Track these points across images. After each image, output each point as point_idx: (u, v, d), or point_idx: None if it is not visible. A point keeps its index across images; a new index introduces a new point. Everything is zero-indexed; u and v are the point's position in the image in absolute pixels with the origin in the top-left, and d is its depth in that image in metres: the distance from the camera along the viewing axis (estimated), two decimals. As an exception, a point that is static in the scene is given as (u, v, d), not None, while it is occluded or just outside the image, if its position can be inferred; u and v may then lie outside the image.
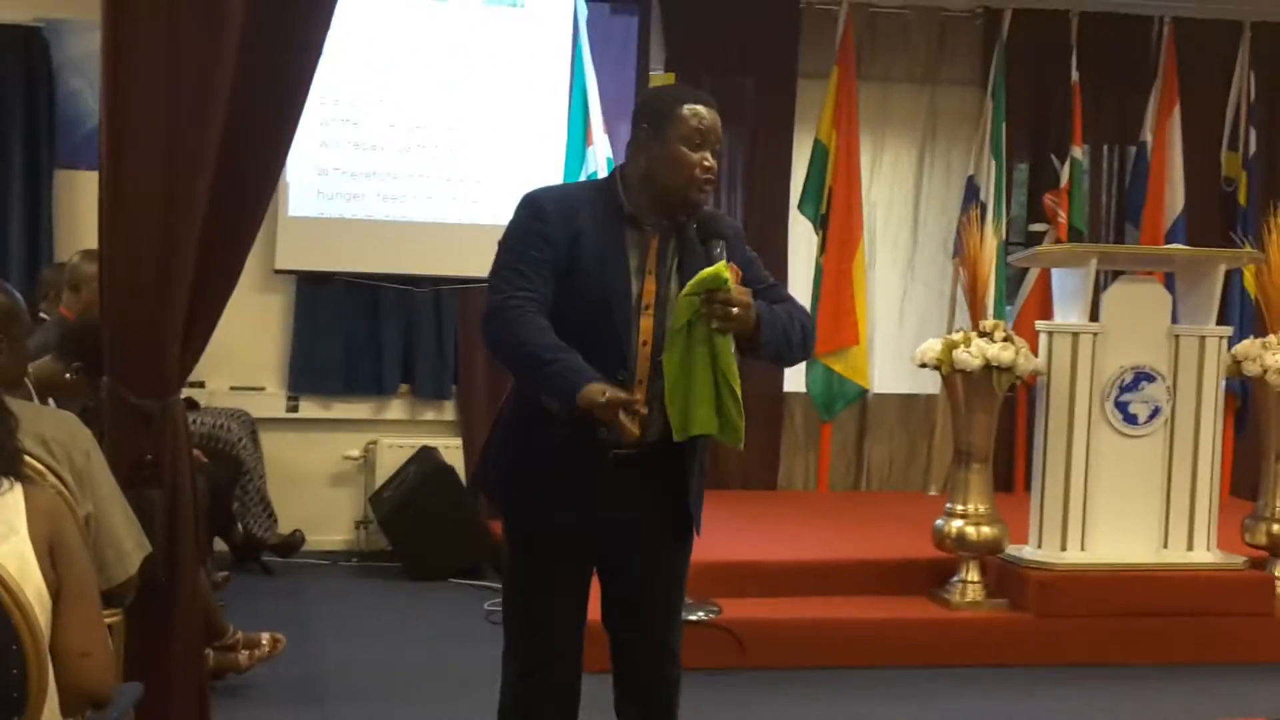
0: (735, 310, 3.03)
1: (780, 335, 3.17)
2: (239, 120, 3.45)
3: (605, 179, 3.40)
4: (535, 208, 3.22)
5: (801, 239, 7.94)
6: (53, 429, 3.03)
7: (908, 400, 8.22)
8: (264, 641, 4.90)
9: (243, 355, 7.27)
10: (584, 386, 2.97)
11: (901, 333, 8.15)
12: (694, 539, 3.41)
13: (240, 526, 6.79)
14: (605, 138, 6.91)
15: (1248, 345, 6.09)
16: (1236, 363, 6.05)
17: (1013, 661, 5.56)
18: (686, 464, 3.28)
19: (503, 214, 7.80)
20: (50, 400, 3.92)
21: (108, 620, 2.82)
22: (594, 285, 3.15)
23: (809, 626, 5.56)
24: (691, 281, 3.06)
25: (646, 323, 3.19)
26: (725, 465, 7.76)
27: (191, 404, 6.57)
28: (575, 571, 3.34)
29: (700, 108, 3.20)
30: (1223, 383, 5.96)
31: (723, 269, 3.03)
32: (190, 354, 3.52)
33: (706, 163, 3.17)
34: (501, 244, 3.24)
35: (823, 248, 7.77)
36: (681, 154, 3.17)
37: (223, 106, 3.39)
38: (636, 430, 2.99)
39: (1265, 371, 5.93)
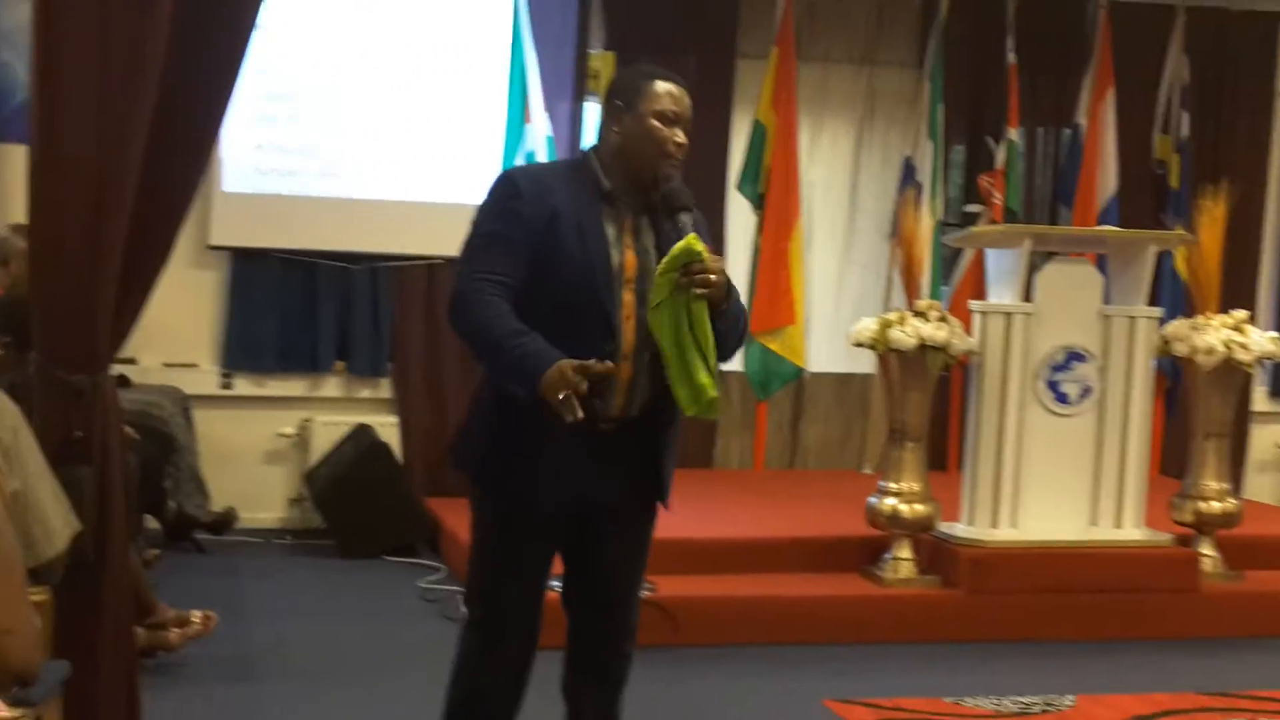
0: (714, 278, 3.10)
1: (736, 307, 3.26)
2: (172, 93, 3.41)
3: (579, 158, 3.46)
4: (510, 186, 3.27)
5: (739, 218, 7.96)
6: (-23, 406, 3.00)
7: (843, 379, 8.26)
8: (195, 619, 4.87)
9: (176, 332, 7.22)
10: (544, 374, 3.01)
11: (838, 312, 8.18)
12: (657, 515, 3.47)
13: (172, 504, 6.73)
14: (545, 115, 6.90)
15: (1177, 326, 6.17)
16: (1166, 343, 6.13)
17: (944, 637, 5.62)
18: (663, 438, 3.33)
19: (441, 192, 7.82)
20: (-23, 376, 3.87)
21: (35, 598, 2.80)
22: (576, 261, 3.19)
23: (743, 603, 5.60)
24: (666, 259, 3.12)
25: (629, 296, 3.23)
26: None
27: (123, 381, 6.50)
28: (545, 550, 3.38)
29: (673, 87, 3.30)
30: (1153, 363, 6.04)
31: (694, 241, 3.10)
32: (121, 330, 3.48)
33: (678, 139, 3.26)
34: (474, 222, 3.27)
35: (760, 227, 7.79)
36: (654, 128, 3.25)
37: (155, 79, 3.35)
38: (579, 413, 2.99)
39: (1194, 352, 6.00)
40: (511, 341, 3.09)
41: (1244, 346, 5.95)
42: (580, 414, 3.00)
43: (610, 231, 3.25)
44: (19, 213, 3.86)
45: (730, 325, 3.26)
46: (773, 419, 8.13)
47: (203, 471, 6.92)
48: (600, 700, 3.51)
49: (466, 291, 3.17)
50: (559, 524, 3.33)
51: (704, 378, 3.13)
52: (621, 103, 3.29)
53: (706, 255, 3.11)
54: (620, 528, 3.39)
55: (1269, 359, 6.12)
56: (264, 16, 3.60)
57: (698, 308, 3.12)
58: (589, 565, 3.41)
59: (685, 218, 3.21)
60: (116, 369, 3.61)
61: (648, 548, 3.49)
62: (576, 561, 3.43)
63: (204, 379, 7.35)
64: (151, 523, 6.66)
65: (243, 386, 7.44)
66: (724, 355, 3.28)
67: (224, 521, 6.96)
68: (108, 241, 3.34)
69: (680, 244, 3.11)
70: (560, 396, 2.99)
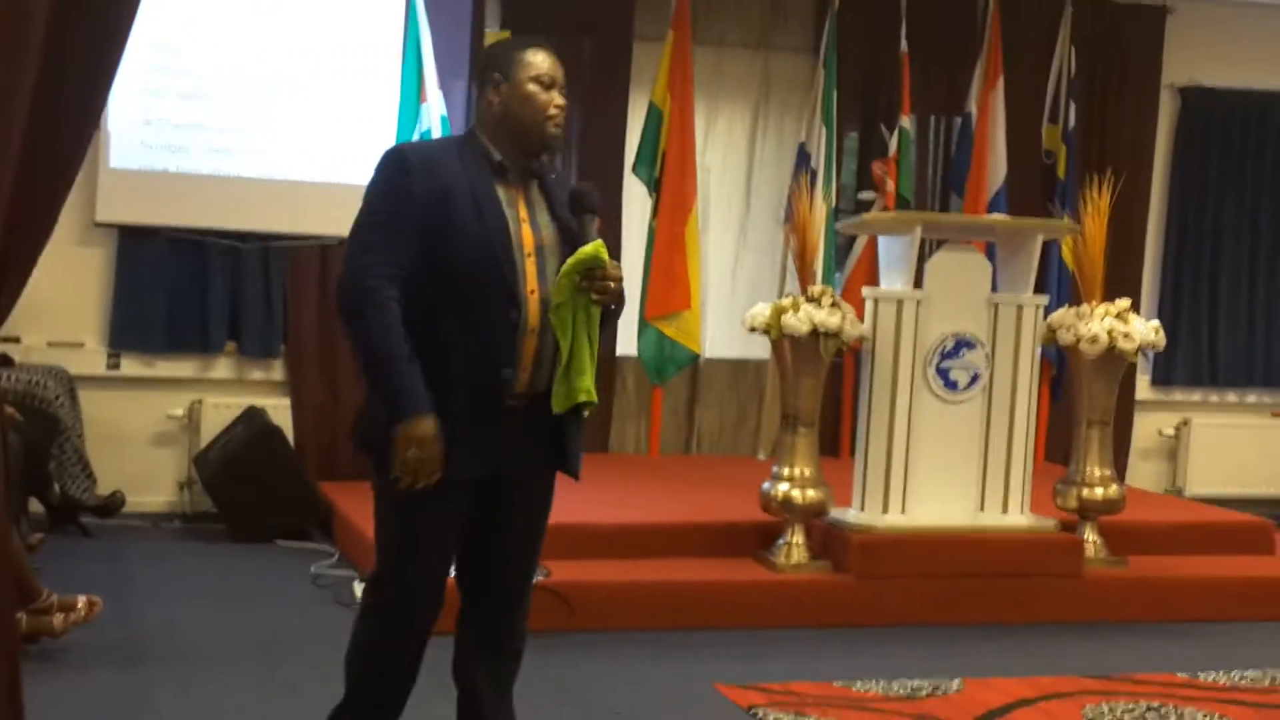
0: (612, 285, 3.21)
1: (623, 304, 3.36)
2: (54, 61, 3.32)
3: (464, 134, 3.51)
4: (400, 161, 3.29)
5: (635, 201, 7.96)
6: None
7: (738, 365, 8.31)
8: (80, 605, 4.77)
9: (61, 310, 7.07)
10: (410, 418, 3.14)
11: (733, 298, 8.22)
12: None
13: (57, 487, 6.60)
14: (439, 94, 6.82)
15: (1062, 314, 6.28)
16: (1052, 331, 6.23)
17: (836, 622, 5.68)
18: (570, 415, 3.35)
19: (334, 171, 7.71)
20: None
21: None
22: (474, 236, 3.23)
23: (638, 588, 5.61)
24: (570, 260, 3.20)
25: (530, 268, 3.28)
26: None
27: (5, 360, 6.35)
28: (452, 525, 3.37)
29: (543, 52, 3.41)
30: (1038, 350, 6.13)
31: (600, 248, 3.19)
32: (1, 309, 3.39)
33: (557, 101, 3.35)
34: (364, 201, 3.30)
35: (656, 211, 7.79)
36: (534, 93, 3.33)
37: (36, 49, 3.26)
38: (411, 483, 3.16)
39: (1078, 340, 6.11)
40: (393, 367, 3.18)
41: (1127, 335, 6.07)
42: (412, 484, 3.16)
43: (505, 203, 3.30)
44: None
45: (616, 314, 3.38)
46: (668, 404, 8.15)
47: (89, 454, 6.79)
48: (497, 679, 3.51)
49: (358, 292, 3.20)
50: (465, 497, 3.34)
51: (587, 382, 3.24)
52: (499, 74, 3.36)
53: (609, 263, 3.21)
54: (525, 501, 3.43)
55: (1151, 348, 6.24)
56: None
57: (594, 312, 3.23)
58: (492, 539, 3.43)
59: (592, 221, 3.29)
60: (-2, 349, 3.53)
61: (547, 522, 3.52)
62: (479, 536, 3.43)
63: (90, 359, 7.20)
64: (35, 506, 6.53)
65: (130, 367, 7.30)
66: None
67: (111, 505, 6.82)
68: (-13, 218, 3.25)
69: (587, 249, 3.19)
70: (408, 454, 3.13)
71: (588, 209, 3.31)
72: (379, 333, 3.17)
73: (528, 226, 3.30)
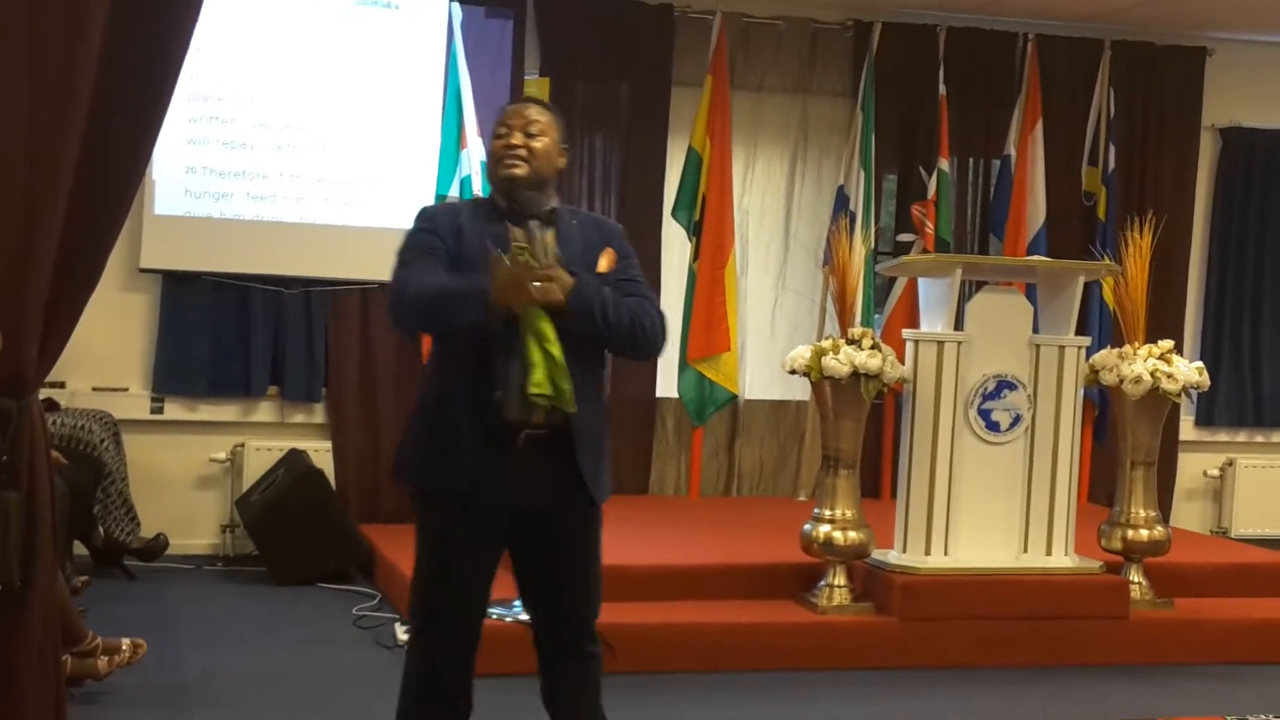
0: (537, 285, 3.31)
1: (599, 314, 3.40)
2: (102, 113, 3.38)
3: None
4: (423, 215, 3.58)
5: (675, 245, 7.98)
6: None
7: (778, 406, 8.30)
8: (124, 647, 4.80)
9: (106, 355, 7.14)
10: (481, 283, 3.30)
11: (772, 339, 8.23)
12: (600, 525, 3.61)
13: (101, 530, 6.64)
14: (479, 141, 6.89)
15: (1105, 355, 6.25)
16: (1094, 372, 6.21)
17: (878, 664, 5.65)
18: (582, 439, 3.44)
19: (375, 216, 7.79)
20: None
21: (-40, 625, 2.75)
22: (475, 268, 3.38)
23: (679, 631, 5.59)
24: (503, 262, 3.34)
25: None
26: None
27: (51, 405, 6.42)
28: (485, 557, 3.50)
29: (512, 104, 3.62)
30: (1081, 391, 6.11)
31: (518, 252, 3.32)
32: (49, 354, 3.43)
33: (510, 142, 3.50)
34: (398, 251, 3.53)
35: (696, 254, 7.81)
36: (494, 143, 3.56)
37: (85, 100, 3.32)
38: (559, 294, 3.30)
39: (1121, 381, 6.08)
40: (454, 279, 3.39)
41: (1170, 376, 6.03)
42: (560, 295, 3.31)
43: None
44: (-54, 234, 3.79)
45: (609, 327, 3.42)
46: (708, 445, 8.15)
47: (132, 497, 6.83)
48: (581, 707, 3.64)
49: (402, 276, 3.45)
50: (499, 528, 3.47)
51: (536, 375, 3.31)
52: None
53: (534, 264, 3.33)
54: (561, 529, 3.52)
55: (1195, 388, 6.20)
56: (197, 38, 3.58)
57: (534, 314, 3.33)
58: (536, 570, 3.56)
59: (532, 225, 3.43)
60: (44, 393, 3.57)
61: (594, 548, 3.62)
62: (525, 568, 3.57)
63: (134, 403, 7.27)
64: (80, 549, 6.58)
65: (174, 411, 7.36)
66: (620, 350, 3.56)
67: (154, 548, 6.86)
68: (36, 264, 3.30)
69: (511, 252, 3.32)
70: (502, 276, 3.27)
71: (529, 215, 3.46)
72: (429, 275, 3.40)
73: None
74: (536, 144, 3.51)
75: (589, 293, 3.39)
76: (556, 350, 3.33)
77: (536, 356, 3.32)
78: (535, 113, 3.56)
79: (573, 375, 3.38)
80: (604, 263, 3.49)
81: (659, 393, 8.00)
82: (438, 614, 3.52)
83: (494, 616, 5.19)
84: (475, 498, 3.41)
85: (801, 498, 8.06)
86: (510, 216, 3.46)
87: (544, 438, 3.41)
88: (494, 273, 3.30)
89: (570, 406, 3.35)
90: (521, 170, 3.48)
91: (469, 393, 3.41)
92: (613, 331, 3.43)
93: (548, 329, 3.34)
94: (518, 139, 3.50)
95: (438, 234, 3.47)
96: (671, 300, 7.86)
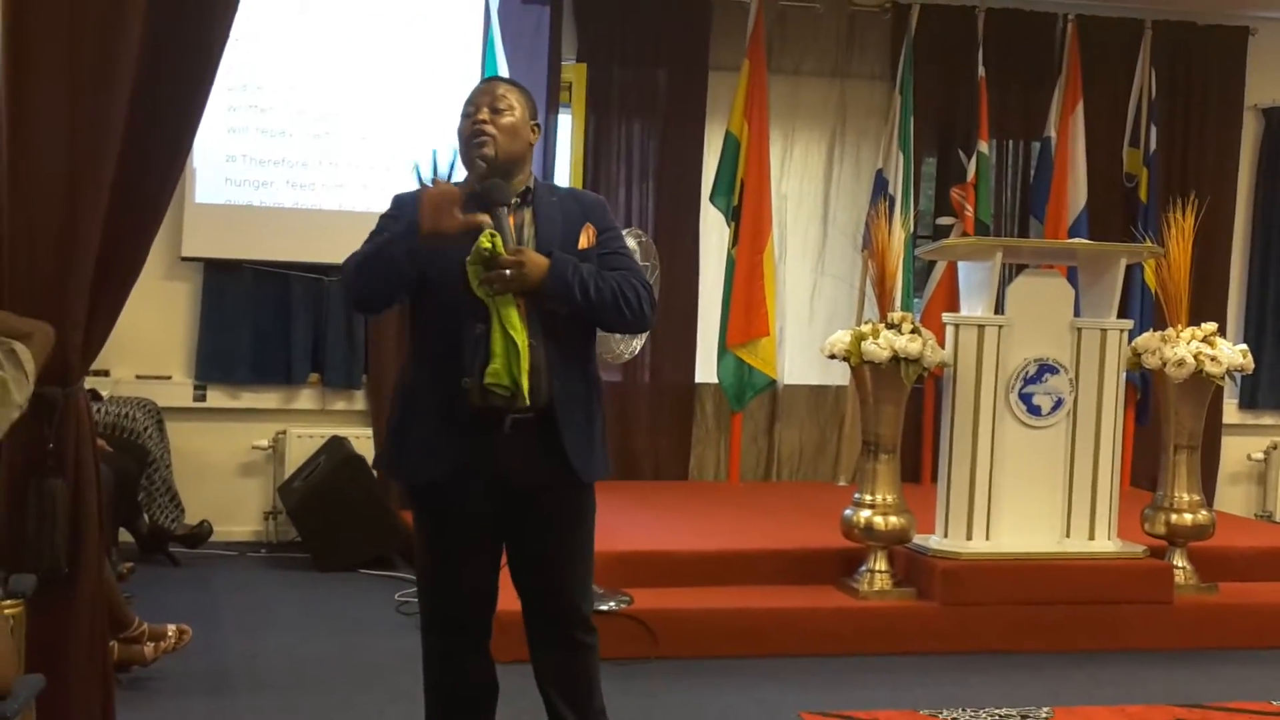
0: (508, 272, 3.27)
1: (579, 291, 3.34)
2: (144, 104, 3.40)
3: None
4: (394, 204, 3.58)
5: (713, 231, 7.98)
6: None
7: (817, 391, 8.29)
8: (170, 633, 4.83)
9: (149, 343, 7.20)
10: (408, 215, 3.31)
11: (811, 324, 8.22)
12: (593, 507, 3.55)
13: (146, 517, 6.70)
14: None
15: (1147, 338, 6.20)
16: (1136, 355, 6.16)
17: (919, 649, 5.63)
18: (567, 420, 3.40)
19: (414, 203, 7.59)
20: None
21: (8, 611, 2.79)
22: (444, 255, 3.33)
23: (720, 616, 5.59)
24: (473, 250, 3.30)
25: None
26: (637, 455, 7.80)
27: (94, 395, 6.47)
28: (475, 541, 3.47)
29: (478, 86, 3.60)
30: (1123, 375, 6.08)
31: (485, 239, 3.28)
32: (94, 342, 3.46)
33: (477, 118, 3.46)
34: None
35: (734, 239, 7.80)
36: (462, 124, 3.52)
37: (127, 91, 3.34)
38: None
39: (1164, 364, 6.03)
40: (376, 245, 3.41)
41: (1214, 359, 5.99)
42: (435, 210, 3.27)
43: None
44: (-9, 225, 3.83)
45: (590, 304, 3.36)
46: (747, 431, 8.14)
47: (176, 484, 6.89)
48: (571, 698, 3.53)
49: (345, 269, 3.47)
50: (487, 516, 3.44)
51: (495, 365, 3.30)
52: None
53: (500, 251, 3.29)
54: (550, 510, 3.47)
55: (1239, 371, 6.15)
56: (235, 27, 3.60)
57: (502, 301, 3.31)
58: (523, 551, 3.52)
59: (501, 212, 3.40)
60: (89, 381, 3.59)
61: (582, 530, 3.54)
62: (513, 550, 3.53)
63: (177, 391, 7.32)
64: (125, 536, 6.64)
65: (216, 399, 7.42)
66: (608, 325, 3.53)
67: (198, 534, 6.92)
68: (79, 254, 3.33)
69: (480, 241, 3.29)
70: (426, 201, 3.26)
71: (494, 201, 3.40)
72: (356, 256, 3.44)
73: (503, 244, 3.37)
74: (504, 120, 3.46)
75: (565, 272, 3.33)
76: (521, 339, 3.30)
77: (498, 346, 3.30)
78: (502, 89, 3.52)
79: (555, 356, 3.36)
80: (584, 239, 3.44)
81: (698, 378, 8.00)
82: (439, 609, 3.52)
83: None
84: (457, 488, 3.39)
85: (841, 483, 8.05)
86: (482, 202, 3.40)
87: (529, 420, 3.36)
88: (420, 201, 3.27)
89: (525, 399, 3.31)
90: (490, 149, 3.42)
91: (442, 381, 3.37)
92: (595, 308, 3.37)
93: (513, 315, 3.31)
94: (484, 115, 3.45)
95: (400, 220, 3.42)
96: (710, 286, 7.88)
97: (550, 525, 3.48)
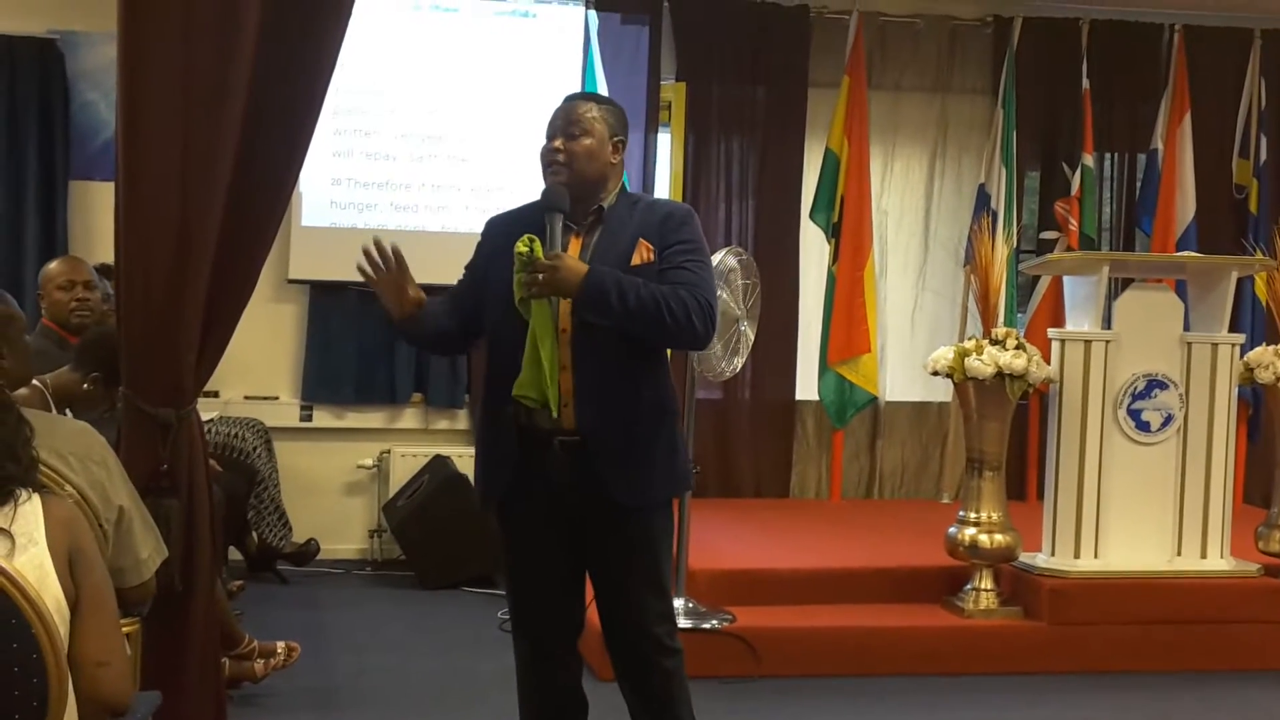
0: (540, 276, 3.26)
1: (616, 301, 3.27)
2: (254, 131, 3.47)
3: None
4: (484, 233, 3.66)
5: (813, 247, 7.96)
6: (68, 442, 3.03)
7: (920, 408, 8.22)
8: (279, 650, 4.91)
9: (257, 365, 7.31)
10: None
11: (913, 340, 8.15)
12: (664, 529, 3.53)
13: (255, 535, 6.81)
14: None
15: (1260, 352, 6.08)
16: (1249, 370, 6.05)
17: (1026, 669, 5.56)
18: (619, 445, 3.39)
19: (515, 223, 7.64)
20: (68, 410, 3.94)
21: (125, 629, 2.84)
22: (503, 281, 3.37)
23: (822, 635, 5.56)
24: (514, 258, 3.31)
25: (564, 308, 3.36)
26: (738, 473, 7.79)
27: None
28: (548, 557, 3.50)
29: (559, 105, 3.56)
30: (1235, 390, 5.95)
31: (522, 244, 3.28)
32: (206, 364, 3.54)
33: (553, 145, 3.48)
34: None
35: (835, 256, 7.77)
36: (542, 149, 3.51)
37: (238, 117, 3.41)
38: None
39: (1277, 379, 5.92)
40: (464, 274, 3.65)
41: (1329, 373, 5.86)
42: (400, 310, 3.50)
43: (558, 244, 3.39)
44: (106, 250, 3.93)
45: (629, 315, 3.29)
46: (849, 448, 8.10)
47: (284, 503, 7.00)
48: (641, 694, 3.55)
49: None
50: (548, 531, 3.47)
51: (522, 377, 3.30)
52: None
53: (538, 254, 3.28)
54: (605, 532, 3.46)
55: (1356, 385, 6.00)
56: (341, 54, 3.66)
57: (537, 306, 3.30)
58: (593, 574, 3.56)
59: (553, 218, 3.38)
60: (200, 403, 3.66)
61: (643, 556, 3.49)
62: (590, 572, 3.57)
63: (285, 411, 7.44)
64: (235, 554, 6.74)
65: (322, 418, 7.52)
66: (655, 339, 3.41)
67: (305, 553, 7.02)
68: (192, 278, 3.40)
69: (519, 246, 3.29)
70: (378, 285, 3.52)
71: (549, 206, 3.40)
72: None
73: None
74: (578, 146, 3.44)
75: (603, 281, 3.26)
76: (548, 351, 3.29)
77: (528, 357, 3.31)
78: (580, 110, 3.49)
79: (595, 379, 3.34)
80: (638, 255, 3.37)
81: (799, 395, 7.97)
82: (518, 620, 3.59)
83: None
84: (517, 503, 3.46)
85: (945, 500, 7.97)
86: (566, 220, 3.43)
87: (574, 443, 3.37)
88: (378, 296, 3.61)
89: (555, 411, 3.31)
90: (563, 177, 3.42)
91: (495, 397, 3.44)
92: (635, 317, 3.28)
93: (543, 327, 3.30)
94: (559, 143, 3.45)
95: (480, 253, 3.58)
96: (810, 303, 7.85)
97: (606, 549, 3.48)
